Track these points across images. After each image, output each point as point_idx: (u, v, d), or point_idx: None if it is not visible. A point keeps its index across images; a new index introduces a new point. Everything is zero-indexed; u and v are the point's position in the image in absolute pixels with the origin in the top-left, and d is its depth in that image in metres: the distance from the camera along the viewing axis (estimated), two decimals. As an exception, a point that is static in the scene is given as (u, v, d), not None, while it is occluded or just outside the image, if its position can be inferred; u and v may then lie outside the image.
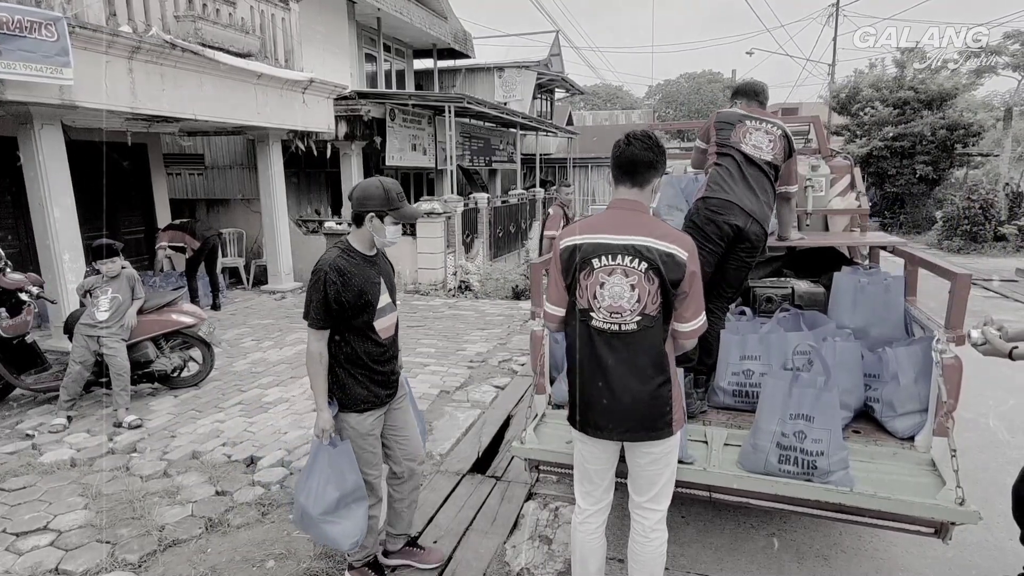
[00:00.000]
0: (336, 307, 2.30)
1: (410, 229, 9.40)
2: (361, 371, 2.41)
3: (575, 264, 2.08)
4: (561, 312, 2.20)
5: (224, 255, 9.24)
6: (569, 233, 2.14)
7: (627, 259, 1.99)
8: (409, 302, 8.69)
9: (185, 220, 8.29)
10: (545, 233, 6.56)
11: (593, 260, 2.03)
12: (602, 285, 2.02)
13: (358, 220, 2.38)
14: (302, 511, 2.37)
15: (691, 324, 2.08)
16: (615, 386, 2.04)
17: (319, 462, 2.35)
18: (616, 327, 2.02)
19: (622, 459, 2.21)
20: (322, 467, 2.35)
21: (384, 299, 2.43)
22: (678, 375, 2.16)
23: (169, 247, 7.82)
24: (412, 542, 2.82)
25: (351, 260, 2.35)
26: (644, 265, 1.98)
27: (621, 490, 2.31)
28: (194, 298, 7.92)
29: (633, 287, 1.99)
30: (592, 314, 2.05)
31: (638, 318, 2.00)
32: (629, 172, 2.07)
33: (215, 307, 8.07)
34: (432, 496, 3.42)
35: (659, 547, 2.16)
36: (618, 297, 2.00)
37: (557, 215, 6.44)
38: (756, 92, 3.10)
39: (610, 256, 2.02)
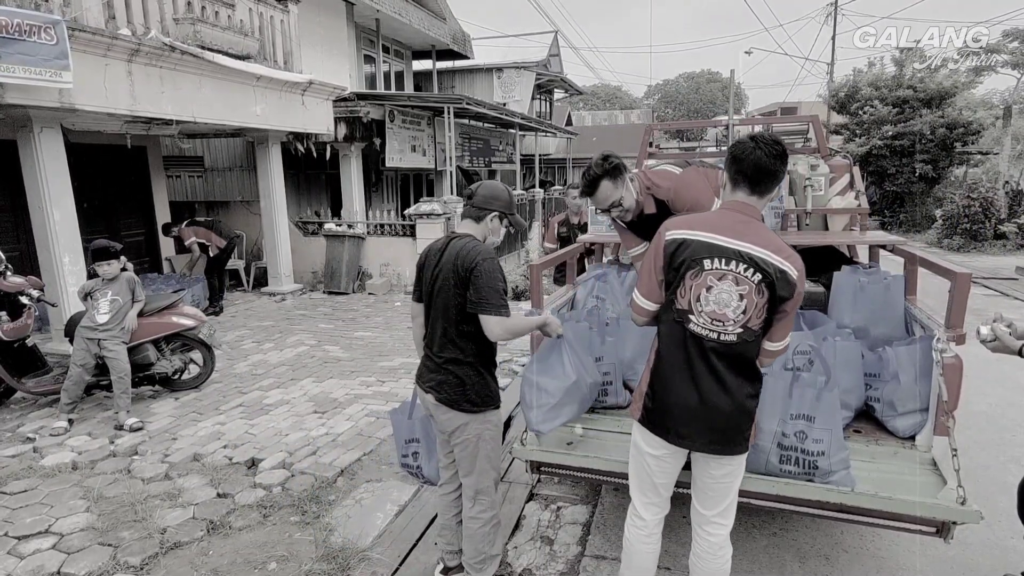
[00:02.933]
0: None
1: (409, 231, 9.42)
2: (493, 367, 2.44)
3: (682, 261, 1.93)
4: (653, 307, 2.07)
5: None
6: (676, 226, 2.00)
7: (741, 267, 1.87)
8: (410, 303, 8.68)
9: (210, 219, 8.35)
10: (545, 245, 5.95)
11: (705, 260, 1.90)
12: (709, 289, 1.90)
13: (478, 216, 2.41)
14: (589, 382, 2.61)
15: (779, 344, 2.00)
16: (705, 396, 1.93)
17: (566, 350, 2.54)
18: (715, 335, 1.91)
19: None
20: (572, 352, 2.55)
21: None
22: None
23: (196, 244, 7.90)
24: None
25: None
26: (758, 277, 1.86)
27: (622, 491, 2.30)
28: (215, 294, 7.95)
29: (742, 297, 1.88)
30: (691, 317, 1.93)
31: (740, 330, 1.90)
32: (751, 178, 1.93)
33: (216, 312, 8.06)
34: (433, 497, 3.42)
35: (726, 563, 2.11)
36: (724, 304, 1.89)
37: (553, 228, 5.69)
38: None
39: (723, 260, 1.89)
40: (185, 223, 8.11)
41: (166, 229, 8.43)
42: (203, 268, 8.26)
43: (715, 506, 2.08)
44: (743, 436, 1.98)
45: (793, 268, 1.87)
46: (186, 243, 7.99)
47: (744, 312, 1.88)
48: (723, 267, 1.89)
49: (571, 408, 2.58)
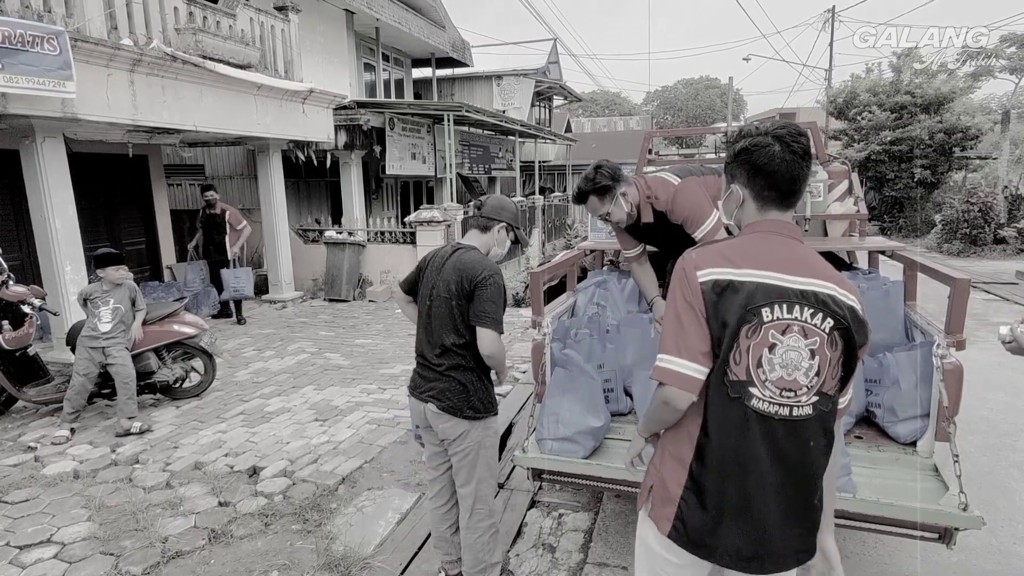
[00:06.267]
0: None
1: (410, 238, 9.45)
2: (490, 374, 2.49)
3: (732, 312, 1.38)
4: (700, 375, 1.41)
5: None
6: (711, 261, 1.43)
7: (807, 312, 1.37)
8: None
9: None
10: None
11: (763, 310, 1.37)
12: (772, 348, 1.38)
13: (486, 226, 2.47)
14: (590, 429, 2.71)
15: (847, 398, 1.52)
16: (773, 496, 1.40)
17: (597, 395, 2.76)
18: (787, 410, 1.39)
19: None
20: (599, 397, 2.80)
21: None
22: None
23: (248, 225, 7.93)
24: None
25: None
26: (829, 323, 1.38)
27: (624, 498, 2.30)
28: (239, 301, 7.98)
29: (813, 353, 1.38)
30: (753, 390, 1.39)
31: (815, 398, 1.39)
32: (788, 193, 1.43)
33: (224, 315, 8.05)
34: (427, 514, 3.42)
35: None
36: (794, 367, 1.38)
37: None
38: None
39: (784, 306, 1.38)
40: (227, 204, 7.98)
41: (207, 187, 8.01)
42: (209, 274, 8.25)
43: None
44: (811, 539, 1.48)
45: (858, 302, 1.43)
46: (238, 227, 7.81)
47: (818, 374, 1.39)
48: (786, 315, 1.38)
49: (585, 447, 2.71)
